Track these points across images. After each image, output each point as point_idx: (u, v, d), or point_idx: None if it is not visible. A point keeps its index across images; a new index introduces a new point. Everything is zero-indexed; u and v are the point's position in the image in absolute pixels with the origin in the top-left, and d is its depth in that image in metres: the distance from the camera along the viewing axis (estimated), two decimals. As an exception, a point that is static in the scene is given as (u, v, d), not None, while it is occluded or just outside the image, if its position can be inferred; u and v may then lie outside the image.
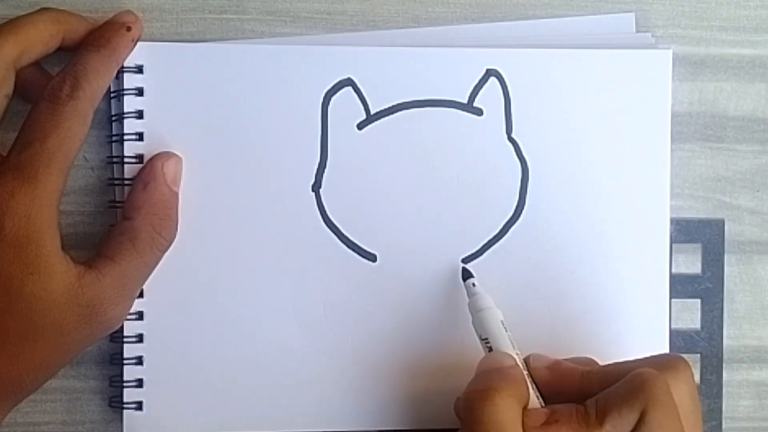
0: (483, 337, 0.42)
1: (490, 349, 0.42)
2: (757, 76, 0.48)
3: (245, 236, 0.45)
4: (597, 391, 0.38)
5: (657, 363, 0.39)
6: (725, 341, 0.48)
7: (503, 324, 0.42)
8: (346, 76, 0.45)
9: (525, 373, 0.40)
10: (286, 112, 0.45)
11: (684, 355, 0.47)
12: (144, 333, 0.44)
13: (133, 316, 0.44)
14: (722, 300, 0.48)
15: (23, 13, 0.42)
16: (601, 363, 0.42)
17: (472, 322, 0.43)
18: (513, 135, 0.46)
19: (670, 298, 0.46)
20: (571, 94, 0.46)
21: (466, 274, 0.45)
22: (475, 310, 0.43)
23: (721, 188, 0.48)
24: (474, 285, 0.44)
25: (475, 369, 0.41)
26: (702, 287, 0.48)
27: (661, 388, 0.37)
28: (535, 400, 0.40)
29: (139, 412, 0.44)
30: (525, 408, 0.39)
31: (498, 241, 0.46)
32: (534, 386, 0.40)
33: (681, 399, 0.38)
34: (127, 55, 0.43)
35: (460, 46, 0.45)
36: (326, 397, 0.45)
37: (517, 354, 0.41)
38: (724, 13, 0.48)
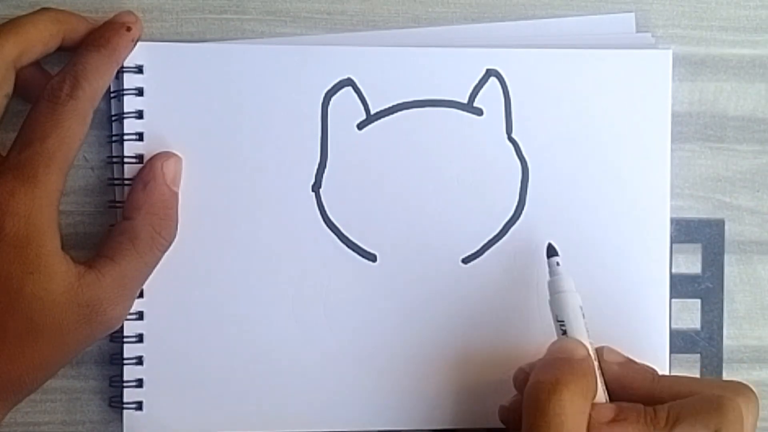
0: (559, 319, 0.42)
1: (564, 332, 0.41)
2: (757, 76, 0.48)
3: (245, 236, 0.45)
4: (666, 399, 0.38)
5: (731, 388, 0.39)
6: (725, 341, 0.48)
7: (581, 310, 0.42)
8: (346, 76, 0.45)
9: (595, 364, 0.40)
10: (286, 112, 0.45)
11: (684, 355, 0.47)
12: (144, 333, 0.44)
13: (133, 316, 0.44)
14: (722, 300, 0.48)
15: (23, 13, 0.42)
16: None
17: (549, 302, 0.42)
18: (513, 135, 0.46)
19: (670, 298, 0.46)
20: (571, 94, 0.46)
21: (551, 252, 0.44)
22: (555, 291, 0.42)
23: (721, 188, 0.48)
24: (558, 264, 0.43)
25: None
26: (702, 287, 0.48)
27: (736, 415, 0.37)
28: (601, 395, 0.40)
29: (139, 412, 0.44)
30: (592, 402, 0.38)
31: (498, 241, 0.46)
32: (602, 380, 0.40)
33: (747, 429, 0.38)
34: (127, 55, 0.43)
35: (460, 46, 0.45)
36: (326, 397, 0.45)
37: (591, 343, 0.41)
38: (724, 13, 0.48)
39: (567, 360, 0.39)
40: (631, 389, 0.40)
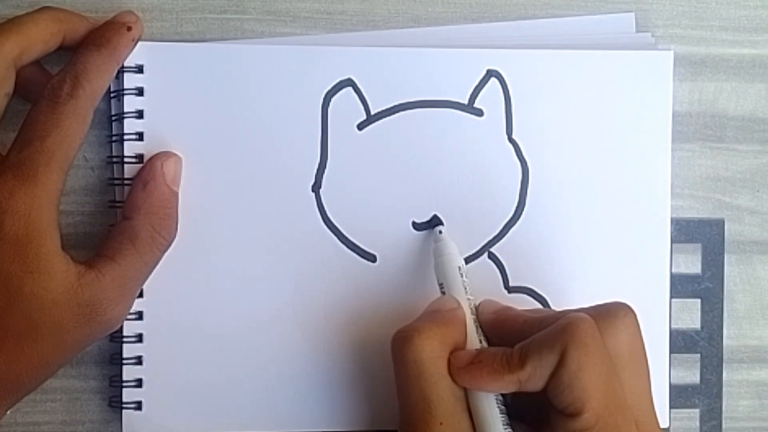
0: (439, 282, 0.43)
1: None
2: (757, 76, 0.48)
3: (245, 236, 0.45)
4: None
5: (595, 310, 0.39)
6: (725, 341, 0.48)
7: (460, 270, 0.43)
8: (346, 77, 0.45)
9: (472, 317, 0.41)
10: (286, 113, 0.45)
11: (684, 355, 0.47)
12: (144, 333, 0.44)
13: (133, 316, 0.44)
14: (722, 300, 0.48)
15: (23, 12, 0.42)
16: None
17: (434, 267, 0.44)
18: (513, 136, 0.46)
19: (670, 297, 0.46)
20: (571, 95, 0.46)
21: (436, 221, 0.45)
22: (436, 256, 0.44)
23: (721, 188, 0.48)
24: (440, 232, 0.44)
25: None
26: (702, 287, 0.48)
27: (584, 331, 0.37)
28: (476, 343, 0.41)
29: (138, 412, 0.44)
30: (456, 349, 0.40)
31: (498, 241, 0.46)
32: (480, 330, 0.41)
33: (617, 346, 0.38)
34: (128, 55, 0.43)
35: (460, 47, 0.45)
36: (326, 397, 0.45)
37: (469, 299, 0.42)
38: (724, 13, 0.48)
39: (431, 312, 0.41)
40: (506, 334, 0.41)
